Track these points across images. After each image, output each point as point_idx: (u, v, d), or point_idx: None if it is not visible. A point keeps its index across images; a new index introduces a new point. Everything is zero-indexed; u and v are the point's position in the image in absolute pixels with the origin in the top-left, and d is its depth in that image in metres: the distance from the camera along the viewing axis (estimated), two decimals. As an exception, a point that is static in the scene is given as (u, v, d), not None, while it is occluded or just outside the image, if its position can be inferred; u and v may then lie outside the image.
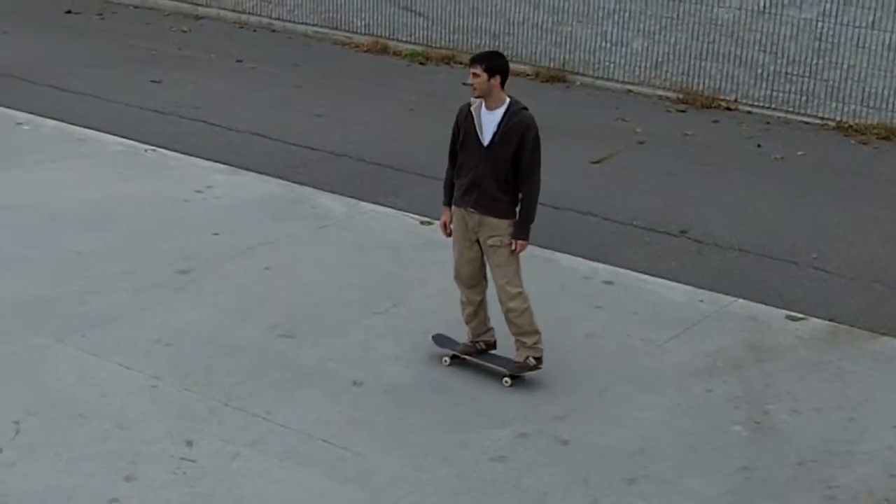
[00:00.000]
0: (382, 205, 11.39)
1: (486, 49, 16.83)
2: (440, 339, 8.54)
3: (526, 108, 7.97)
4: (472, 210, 8.01)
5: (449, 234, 8.26)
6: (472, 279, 8.24)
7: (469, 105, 8.01)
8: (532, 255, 10.34)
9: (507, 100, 7.93)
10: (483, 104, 7.91)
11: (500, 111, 7.89)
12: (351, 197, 11.68)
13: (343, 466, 7.18)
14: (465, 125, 7.99)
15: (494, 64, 7.87)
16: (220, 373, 8.21)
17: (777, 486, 7.09)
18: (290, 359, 8.45)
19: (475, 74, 7.81)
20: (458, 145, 8.07)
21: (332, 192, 11.85)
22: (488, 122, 7.90)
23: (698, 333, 9.00)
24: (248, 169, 12.47)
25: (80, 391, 7.89)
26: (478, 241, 8.13)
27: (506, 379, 8.18)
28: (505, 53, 15.90)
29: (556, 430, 7.63)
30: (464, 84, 7.94)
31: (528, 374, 8.22)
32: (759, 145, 13.82)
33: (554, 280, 9.94)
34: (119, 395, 7.86)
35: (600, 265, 10.26)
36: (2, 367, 8.14)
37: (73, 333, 8.64)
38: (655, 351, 8.71)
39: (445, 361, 8.42)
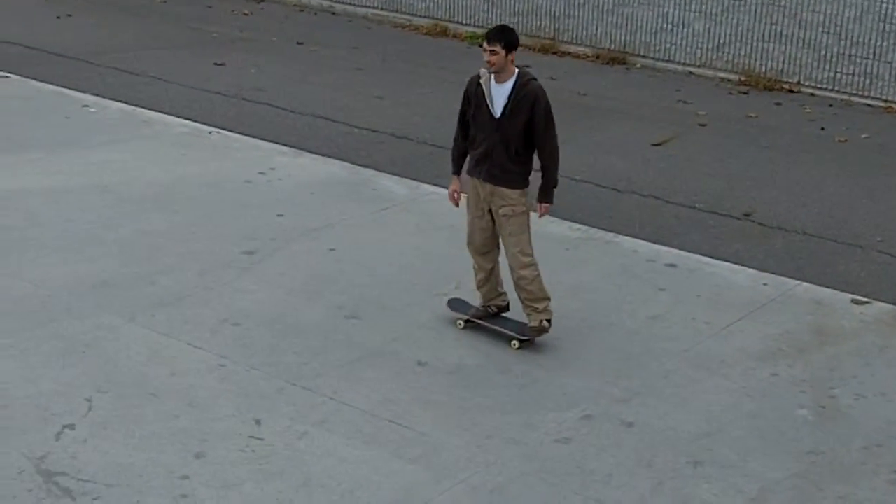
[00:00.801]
0: (444, 186, 11.39)
1: (546, 31, 16.85)
2: (455, 304, 8.77)
3: (535, 79, 8.14)
4: (484, 181, 8.19)
5: (457, 204, 8.46)
6: (485, 247, 8.44)
7: (478, 77, 8.13)
8: (593, 238, 10.41)
9: (516, 71, 8.08)
10: (493, 77, 8.03)
11: (510, 83, 8.06)
12: (412, 179, 11.74)
13: (408, 446, 7.24)
14: (475, 97, 8.14)
15: (511, 39, 8.03)
16: (287, 352, 8.29)
17: (843, 470, 7.07)
18: (356, 339, 8.52)
19: (494, 52, 7.96)
20: (468, 116, 8.23)
21: (394, 174, 11.91)
22: (499, 95, 8.06)
23: (763, 317, 8.99)
24: (310, 151, 12.56)
25: (150, 369, 8.00)
26: (489, 211, 8.29)
27: (514, 342, 8.35)
28: (565, 35, 15.91)
29: (621, 412, 7.65)
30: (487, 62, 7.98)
31: (598, 354, 8.32)
32: (822, 128, 13.74)
33: (616, 262, 9.96)
34: (188, 374, 7.96)
35: (663, 248, 10.26)
36: (74, 345, 8.26)
37: (143, 313, 8.76)
38: (720, 334, 8.71)
39: (460, 324, 8.61)
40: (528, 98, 8.01)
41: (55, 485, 6.71)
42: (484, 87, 8.06)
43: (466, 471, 7.00)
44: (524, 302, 8.37)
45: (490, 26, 17.20)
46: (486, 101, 8.05)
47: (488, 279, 8.53)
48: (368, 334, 8.58)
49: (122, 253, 9.80)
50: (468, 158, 8.31)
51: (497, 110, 8.05)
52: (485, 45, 8.00)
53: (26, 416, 7.36)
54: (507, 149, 8.10)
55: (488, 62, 7.96)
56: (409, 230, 10.50)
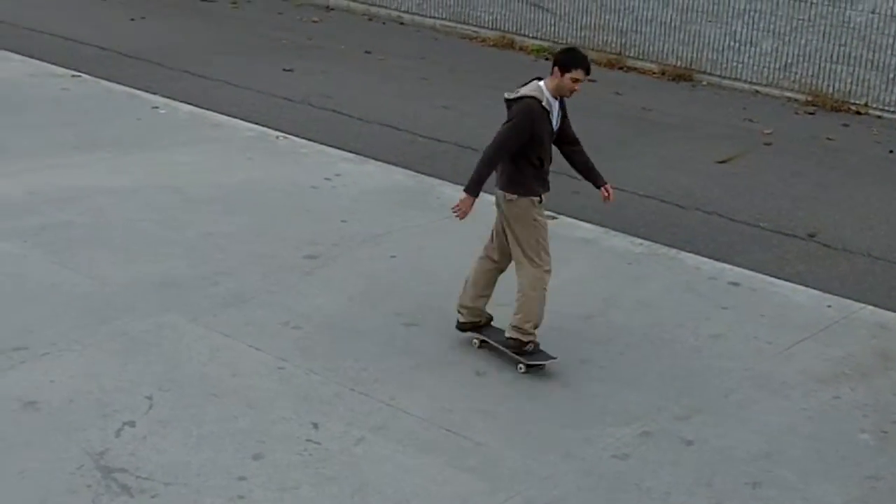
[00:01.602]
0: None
1: (612, 46, 16.82)
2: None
3: None
4: (546, 193, 8.25)
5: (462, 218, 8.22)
6: None
7: (540, 102, 7.97)
8: (656, 254, 10.37)
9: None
10: (550, 94, 8.03)
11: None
12: (476, 189, 11.73)
13: (464, 455, 7.23)
14: (540, 121, 8.00)
15: None
16: (346, 357, 8.32)
17: (904, 495, 7.01)
18: (415, 346, 8.53)
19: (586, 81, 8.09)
20: (527, 144, 8.03)
21: (458, 183, 11.87)
22: (554, 110, 8.09)
23: (825, 339, 8.91)
24: (375, 158, 12.60)
25: (210, 370, 8.05)
26: None
27: (521, 366, 8.28)
28: (631, 51, 15.95)
29: (680, 430, 7.61)
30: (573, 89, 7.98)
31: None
32: (891, 151, 13.61)
33: (678, 279, 9.91)
34: (248, 375, 8.00)
35: (726, 266, 10.21)
36: (136, 343, 8.34)
37: (205, 313, 8.82)
38: (782, 354, 8.65)
39: (475, 343, 8.55)
40: (563, 106, 8.19)
41: (114, 481, 6.77)
42: (547, 108, 8.02)
43: (522, 483, 6.98)
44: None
45: (556, 40, 17.32)
46: (549, 120, 8.05)
47: None
48: (427, 342, 8.60)
49: (186, 253, 9.88)
50: (533, 180, 8.13)
51: (555, 124, 8.11)
52: (584, 75, 7.97)
53: (88, 411, 7.43)
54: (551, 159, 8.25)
55: (576, 90, 7.98)
56: (471, 239, 10.45)
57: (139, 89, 14.73)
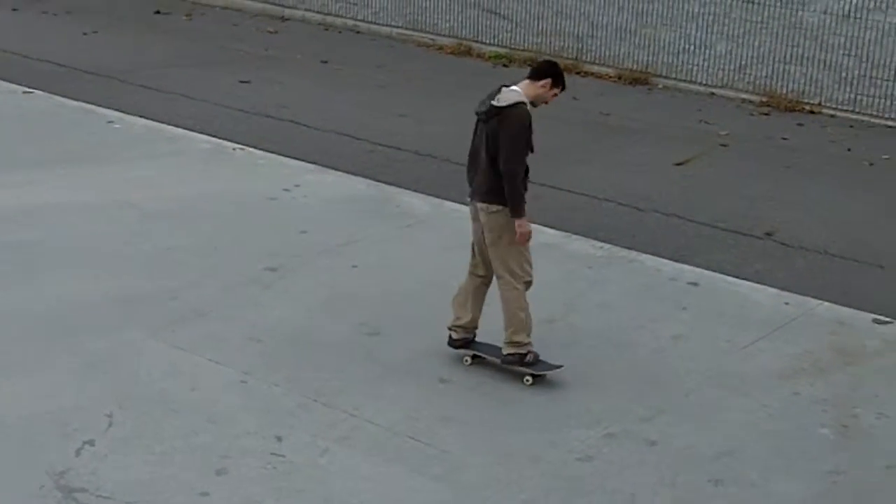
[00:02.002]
0: (466, 204, 11.40)
1: (569, 51, 16.88)
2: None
3: None
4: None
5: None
6: None
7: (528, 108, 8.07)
8: (616, 256, 10.42)
9: None
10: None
11: None
12: (435, 196, 11.75)
13: (431, 463, 7.24)
14: (531, 131, 8.08)
15: None
16: (309, 369, 8.31)
17: (865, 490, 7.05)
18: (378, 356, 8.53)
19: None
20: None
21: (417, 191, 11.93)
22: None
23: (784, 336, 8.97)
24: (334, 168, 12.58)
25: (171, 385, 8.02)
26: None
27: (527, 378, 8.25)
28: (587, 56, 15.96)
29: (644, 430, 7.64)
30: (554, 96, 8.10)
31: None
32: (848, 149, 13.71)
33: (639, 281, 9.96)
34: (209, 390, 7.98)
35: (685, 266, 10.25)
36: (95, 360, 8.30)
37: (165, 328, 8.79)
38: (741, 353, 8.70)
39: (466, 361, 8.46)
40: None
41: (74, 501, 6.74)
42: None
43: (489, 489, 7.00)
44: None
45: (513, 46, 17.35)
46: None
47: None
48: (390, 351, 8.60)
49: (145, 268, 9.84)
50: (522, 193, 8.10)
51: None
52: (560, 91, 8.17)
53: (47, 431, 7.40)
54: None
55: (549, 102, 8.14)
56: (433, 247, 10.52)
57: (93, 104, 14.63)
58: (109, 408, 7.70)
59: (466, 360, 8.45)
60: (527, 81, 8.08)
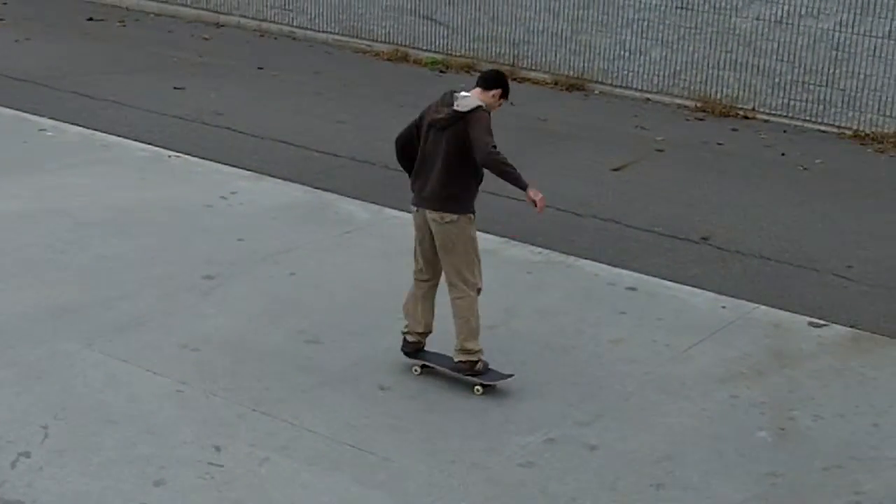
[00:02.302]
0: (406, 211, 11.40)
1: (505, 57, 16.92)
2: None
3: None
4: None
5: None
6: None
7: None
8: (554, 262, 10.45)
9: None
10: None
11: None
12: (374, 203, 11.73)
13: (372, 471, 7.22)
14: None
15: None
16: (248, 378, 8.25)
17: (803, 491, 7.12)
18: (317, 364, 8.49)
19: None
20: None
21: (356, 198, 11.90)
22: None
23: (722, 340, 9.04)
24: (271, 175, 12.53)
25: (108, 396, 7.94)
26: None
27: (477, 388, 8.23)
28: (524, 62, 16.00)
29: (584, 435, 7.67)
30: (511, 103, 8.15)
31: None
32: (783, 153, 13.84)
33: (577, 286, 9.99)
34: (147, 400, 7.91)
35: (623, 271, 10.30)
36: (30, 372, 8.20)
37: (101, 338, 8.70)
38: (680, 357, 8.75)
39: (416, 371, 8.43)
40: None
41: (12, 512, 6.66)
42: None
43: (430, 496, 6.99)
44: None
45: (450, 52, 17.36)
46: None
47: None
48: (330, 359, 8.56)
49: (80, 278, 9.74)
50: (470, 196, 8.14)
51: None
52: (504, 101, 8.25)
53: (-17, 443, 7.30)
54: None
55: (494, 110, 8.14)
56: (371, 254, 10.50)
57: (26, 112, 14.45)
58: (45, 419, 7.60)
59: (416, 370, 8.41)
60: (477, 90, 8.11)
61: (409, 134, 8.32)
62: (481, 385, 8.17)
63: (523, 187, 7.90)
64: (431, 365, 8.38)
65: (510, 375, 8.24)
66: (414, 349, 8.42)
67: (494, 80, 8.18)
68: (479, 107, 7.95)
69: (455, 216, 7.99)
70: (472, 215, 8.10)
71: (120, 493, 6.88)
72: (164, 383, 8.13)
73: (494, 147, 7.84)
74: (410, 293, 8.44)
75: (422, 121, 8.19)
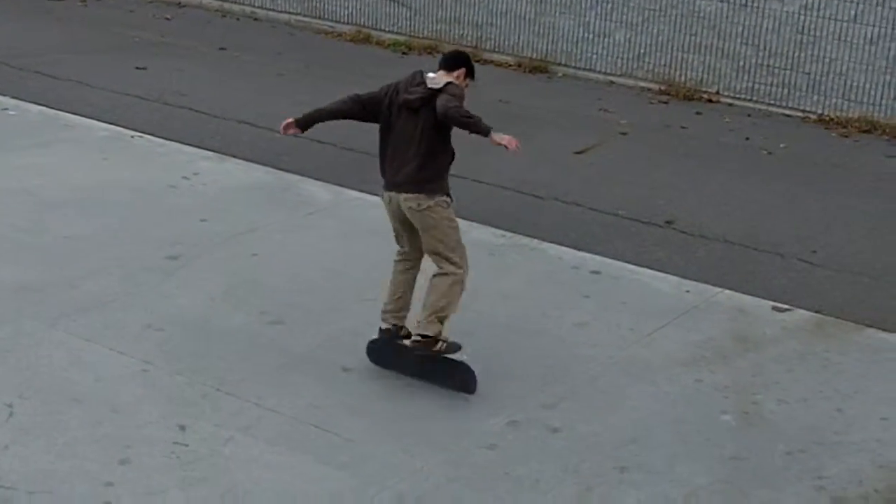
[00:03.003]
0: (368, 192, 11.39)
1: (469, 39, 16.91)
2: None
3: None
4: None
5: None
6: None
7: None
8: (518, 245, 10.46)
9: None
10: None
11: None
12: (336, 184, 11.70)
13: (335, 452, 7.22)
14: None
15: None
16: (211, 358, 8.23)
17: (767, 475, 7.16)
18: (280, 345, 8.48)
19: None
20: (448, 132, 8.04)
21: (318, 179, 11.87)
22: None
23: (686, 323, 9.07)
24: (233, 156, 12.48)
25: (72, 375, 7.91)
26: None
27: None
28: (487, 44, 15.93)
29: (547, 418, 7.68)
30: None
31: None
32: (747, 138, 13.90)
33: (541, 269, 10.01)
34: (111, 380, 7.88)
35: (587, 255, 10.32)
36: (-7, 351, 8.17)
37: (65, 318, 8.65)
38: (644, 340, 8.78)
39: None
40: None
41: (-24, 492, 6.62)
42: None
43: (393, 477, 6.99)
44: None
45: (413, 34, 17.32)
46: None
47: None
48: (293, 340, 8.55)
49: (43, 257, 9.68)
50: (444, 176, 7.96)
51: None
52: (470, 81, 8.11)
53: (-55, 422, 7.25)
54: None
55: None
56: (334, 235, 10.48)
57: (-13, 91, 14.38)
58: (9, 398, 7.56)
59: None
60: (441, 72, 7.95)
61: (371, 100, 8.12)
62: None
63: (485, 133, 7.71)
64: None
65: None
66: (388, 336, 8.19)
67: (455, 60, 8.04)
68: (451, 82, 7.84)
69: (431, 201, 7.79)
70: (448, 199, 7.90)
71: (85, 472, 6.86)
72: (128, 363, 8.10)
73: (462, 104, 7.70)
74: (391, 280, 8.22)
75: (387, 99, 8.00)
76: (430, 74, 7.93)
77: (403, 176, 7.83)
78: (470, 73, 8.09)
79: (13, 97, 14.15)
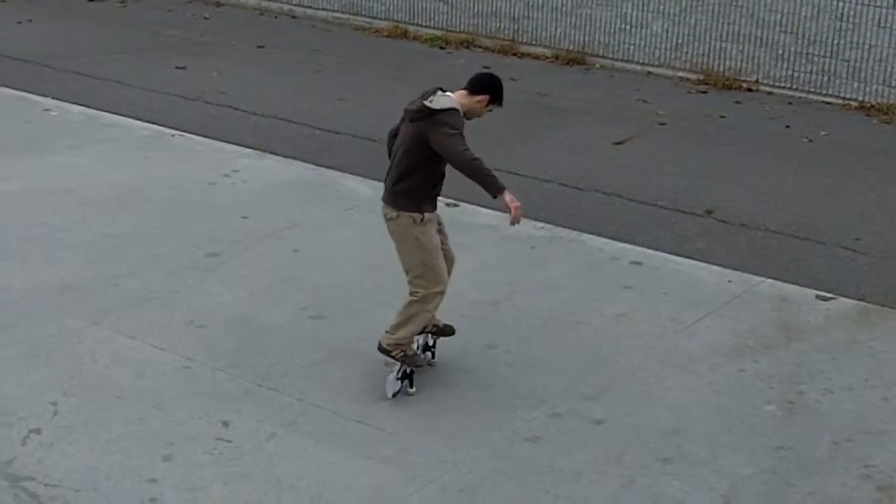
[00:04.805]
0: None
1: (505, 32, 16.88)
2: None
3: None
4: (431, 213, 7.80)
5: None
6: None
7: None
8: (558, 237, 10.43)
9: None
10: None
11: None
12: (375, 179, 11.65)
13: (377, 446, 7.22)
14: None
15: None
16: (253, 354, 8.26)
17: (812, 465, 7.11)
18: (322, 340, 8.49)
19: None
20: (440, 157, 7.61)
21: (357, 174, 11.89)
22: None
23: (728, 313, 9.02)
24: (273, 153, 12.51)
25: (115, 372, 7.95)
26: None
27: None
28: (524, 37, 15.88)
29: (590, 409, 7.66)
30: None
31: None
32: (787, 126, 13.81)
33: (581, 261, 9.98)
34: (154, 377, 7.92)
35: (628, 245, 10.28)
36: (38, 349, 8.20)
37: (108, 316, 8.71)
38: (686, 331, 8.74)
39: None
40: None
41: (22, 490, 6.66)
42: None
43: (436, 471, 6.99)
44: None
45: (449, 28, 17.30)
46: None
47: None
48: (334, 335, 8.56)
49: (85, 256, 9.74)
50: (421, 197, 7.64)
51: None
52: (497, 106, 7.70)
53: (-9, 421, 7.32)
54: None
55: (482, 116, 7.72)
56: (374, 230, 10.38)
57: (29, 92, 14.45)
58: (54, 396, 7.62)
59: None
60: (464, 91, 7.62)
61: (397, 129, 7.85)
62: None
63: (499, 191, 7.34)
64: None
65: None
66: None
67: (481, 85, 7.61)
68: (451, 109, 7.42)
69: (395, 213, 7.58)
70: (415, 216, 7.57)
71: (129, 468, 6.89)
72: (170, 359, 8.14)
73: (467, 150, 7.35)
74: None
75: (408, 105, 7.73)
76: (448, 94, 7.57)
77: (386, 183, 7.70)
78: (495, 100, 7.66)
79: (54, 98, 14.26)
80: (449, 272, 7.88)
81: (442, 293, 7.74)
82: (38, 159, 12.04)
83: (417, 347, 8.05)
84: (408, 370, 7.87)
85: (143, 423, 7.36)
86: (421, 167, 7.56)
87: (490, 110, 7.73)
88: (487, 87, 7.64)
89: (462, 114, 7.51)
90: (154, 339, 8.41)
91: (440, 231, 7.85)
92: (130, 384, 7.80)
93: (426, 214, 7.63)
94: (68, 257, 9.71)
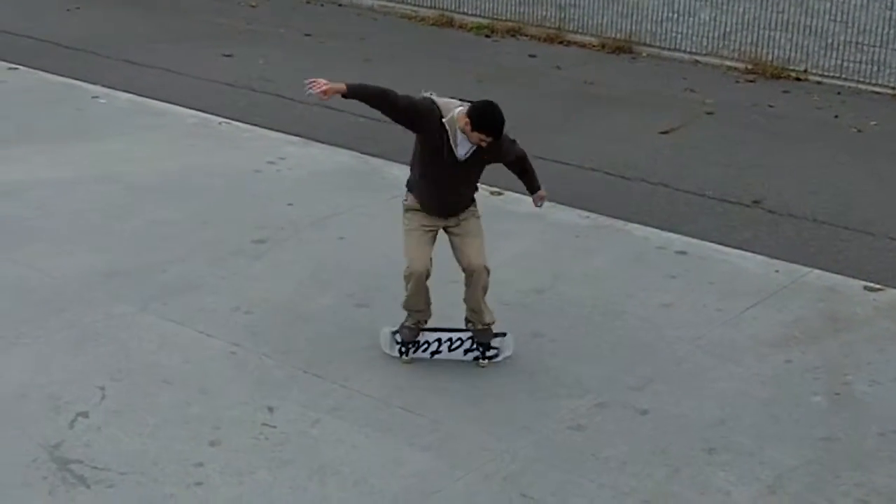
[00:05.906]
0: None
1: (551, 20, 16.83)
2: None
3: None
4: (448, 216, 7.96)
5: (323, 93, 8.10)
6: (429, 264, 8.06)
7: (440, 118, 7.73)
8: (603, 226, 10.40)
9: None
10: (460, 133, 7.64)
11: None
12: (421, 168, 11.70)
13: (421, 434, 7.24)
14: (429, 133, 7.85)
15: None
16: (299, 340, 8.29)
17: (859, 456, 7.06)
18: (367, 327, 8.50)
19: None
20: (421, 150, 7.98)
21: (402, 162, 11.84)
22: (459, 142, 7.68)
23: (775, 304, 8.97)
24: (319, 141, 12.55)
25: (162, 357, 8.01)
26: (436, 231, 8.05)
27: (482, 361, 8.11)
28: (570, 25, 15.82)
29: (635, 399, 7.64)
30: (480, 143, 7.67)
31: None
32: (836, 116, 13.71)
33: (627, 250, 9.95)
34: (201, 362, 7.97)
35: (673, 235, 10.24)
36: (86, 334, 8.27)
37: (155, 301, 8.77)
38: (732, 321, 8.70)
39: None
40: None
41: (69, 472, 6.72)
42: (447, 130, 7.68)
43: (480, 459, 6.99)
44: (473, 310, 8.12)
45: (495, 17, 17.26)
46: (445, 144, 7.71)
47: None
48: (379, 322, 8.55)
49: (133, 242, 9.81)
50: (419, 188, 8.04)
51: (459, 155, 7.69)
52: (487, 137, 7.51)
53: (40, 404, 7.38)
54: (470, 184, 7.96)
55: (482, 145, 7.59)
56: (419, 219, 10.47)
57: (78, 80, 14.56)
58: (102, 380, 7.68)
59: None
60: (464, 112, 7.60)
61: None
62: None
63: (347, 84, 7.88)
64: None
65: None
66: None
67: (471, 109, 7.56)
68: (437, 103, 7.78)
69: (403, 198, 8.18)
70: (406, 201, 8.12)
71: (176, 452, 6.94)
72: (216, 345, 8.18)
73: (388, 91, 8.13)
74: None
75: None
76: (459, 107, 7.62)
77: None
78: (476, 126, 7.49)
79: (103, 86, 14.35)
80: (465, 283, 8.03)
81: (408, 276, 7.93)
82: (86, 146, 12.13)
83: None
84: (398, 337, 8.12)
85: (189, 407, 7.41)
86: (416, 161, 8.12)
87: (481, 139, 7.53)
88: (472, 110, 7.54)
89: (447, 123, 7.64)
90: (201, 324, 8.46)
91: (454, 233, 8.00)
92: (177, 369, 7.86)
93: (420, 209, 8.02)
94: (116, 244, 9.78)
